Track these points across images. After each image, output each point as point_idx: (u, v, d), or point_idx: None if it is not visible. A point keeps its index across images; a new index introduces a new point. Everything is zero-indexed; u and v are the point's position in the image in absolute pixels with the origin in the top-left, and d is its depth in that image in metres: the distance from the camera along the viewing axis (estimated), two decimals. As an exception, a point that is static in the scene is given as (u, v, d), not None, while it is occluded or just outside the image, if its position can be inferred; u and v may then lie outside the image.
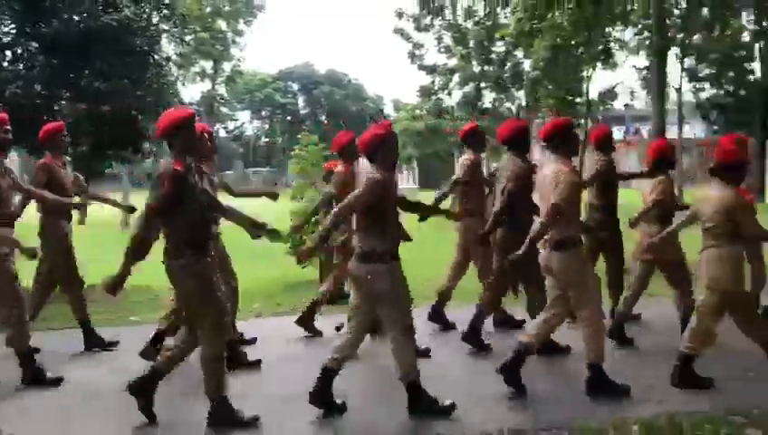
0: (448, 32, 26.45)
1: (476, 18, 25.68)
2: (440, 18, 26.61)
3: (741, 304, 4.55)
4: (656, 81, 10.90)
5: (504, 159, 5.89)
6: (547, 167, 4.69)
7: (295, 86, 62.63)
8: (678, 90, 29.59)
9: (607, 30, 17.12)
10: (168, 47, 13.64)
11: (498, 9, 21.71)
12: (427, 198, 6.47)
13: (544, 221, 4.44)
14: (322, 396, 4.25)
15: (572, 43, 13.50)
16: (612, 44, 18.64)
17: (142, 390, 4.18)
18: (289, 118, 61.79)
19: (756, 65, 30.49)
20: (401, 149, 48.75)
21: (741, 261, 4.62)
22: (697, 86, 32.24)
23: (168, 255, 3.98)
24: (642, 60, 27.84)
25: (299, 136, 10.30)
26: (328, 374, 4.26)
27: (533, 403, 4.41)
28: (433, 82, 27.43)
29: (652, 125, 10.69)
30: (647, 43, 22.87)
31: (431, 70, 27.05)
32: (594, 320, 4.49)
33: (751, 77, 31.03)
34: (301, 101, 63.58)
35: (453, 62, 26.94)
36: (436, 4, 26.42)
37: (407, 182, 63.81)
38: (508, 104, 27.35)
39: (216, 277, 4.10)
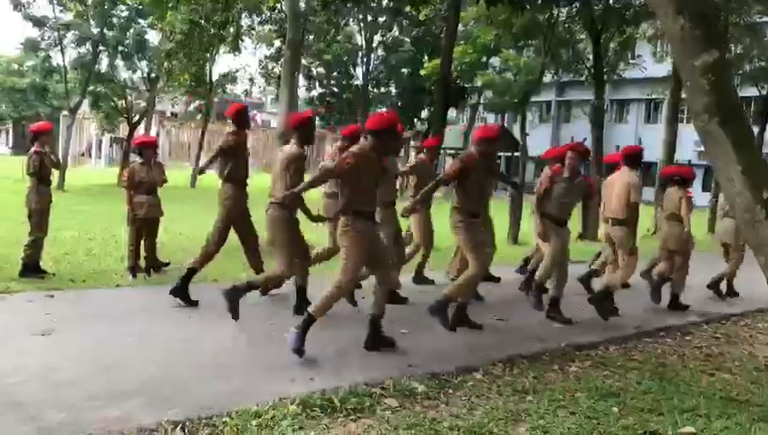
0: (64, -17, 23.80)
1: (98, -25, 23.72)
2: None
3: None
4: (288, 71, 11.43)
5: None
6: None
7: None
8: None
9: (239, 15, 17.34)
10: None
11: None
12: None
13: None
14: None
15: (211, 20, 13.36)
16: (242, 30, 19.02)
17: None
18: None
19: (360, 71, 34.58)
20: (-5, 107, 41.86)
21: None
22: (310, 83, 35.12)
23: None
24: (264, 50, 29.09)
25: None
26: None
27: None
28: (42, 36, 24.39)
29: (281, 114, 11.12)
30: (271, 33, 24.01)
31: (40, 22, 23.98)
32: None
33: (354, 82, 35.05)
34: None
35: (68, 17, 24.32)
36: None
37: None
38: (129, 73, 25.90)
39: None
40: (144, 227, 7.70)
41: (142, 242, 7.74)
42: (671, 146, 18.17)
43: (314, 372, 4.68)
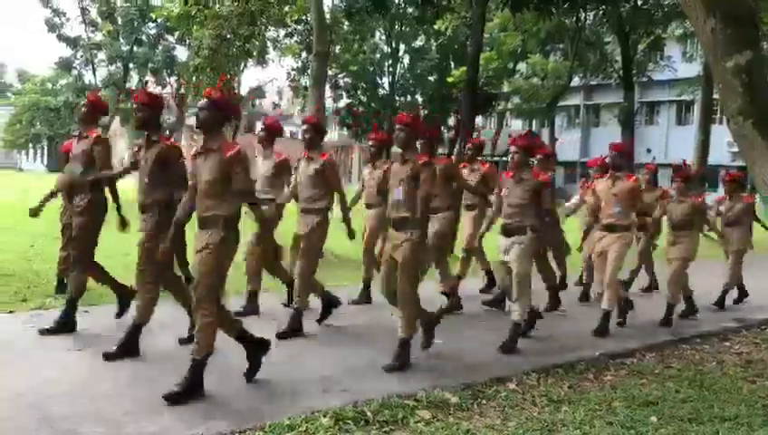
0: (95, 3, 24.30)
1: (127, -6, 24.18)
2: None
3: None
4: (315, 82, 11.51)
5: None
6: None
7: None
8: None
9: (265, 28, 17.50)
10: None
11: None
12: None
13: None
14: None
15: (237, 34, 13.55)
16: (268, 43, 19.23)
17: None
18: None
19: (386, 81, 34.65)
20: (27, 126, 43.13)
21: None
22: (337, 93, 35.25)
23: None
24: (291, 61, 29.31)
25: None
26: None
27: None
28: (75, 55, 24.91)
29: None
30: (296, 45, 24.19)
31: (73, 42, 24.49)
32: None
33: (381, 91, 35.12)
34: None
35: (99, 36, 24.82)
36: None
37: (33, 163, 57.16)
38: (159, 88, 26.30)
39: None
40: None
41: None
42: (704, 147, 17.88)
43: (346, 383, 4.66)
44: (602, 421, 4.28)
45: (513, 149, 5.85)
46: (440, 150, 33.55)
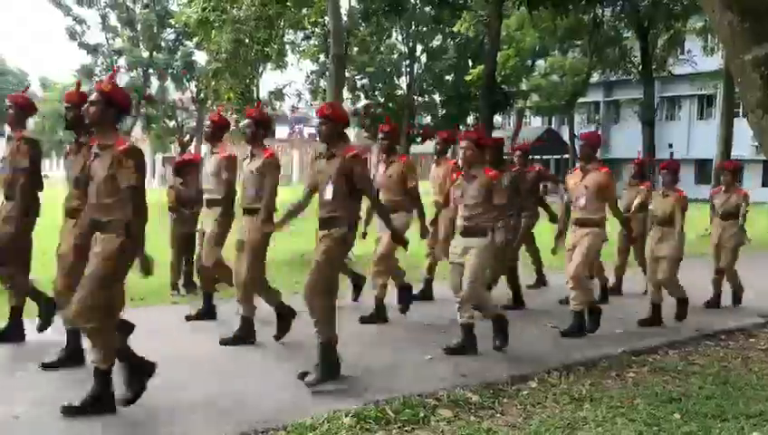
0: (114, 11, 24.61)
1: (145, 1, 24.47)
2: (105, -6, 24.66)
3: None
4: (333, 85, 11.58)
5: None
6: None
7: None
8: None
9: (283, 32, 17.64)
10: None
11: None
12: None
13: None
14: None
15: (255, 38, 13.67)
16: (286, 46, 19.37)
17: None
18: None
19: (403, 81, 34.62)
20: (50, 134, 43.74)
21: None
22: (355, 95, 35.27)
23: None
24: (309, 64, 29.46)
25: None
26: None
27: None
28: (96, 62, 25.25)
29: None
30: (314, 48, 24.32)
31: (93, 49, 24.83)
32: None
33: (399, 91, 35.08)
34: None
35: (119, 43, 25.15)
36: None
37: (49, 169, 57.99)
38: (179, 93, 26.60)
39: None
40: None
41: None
42: (727, 142, 17.67)
43: (367, 383, 4.69)
44: (624, 419, 4.26)
45: (463, 144, 5.37)
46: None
